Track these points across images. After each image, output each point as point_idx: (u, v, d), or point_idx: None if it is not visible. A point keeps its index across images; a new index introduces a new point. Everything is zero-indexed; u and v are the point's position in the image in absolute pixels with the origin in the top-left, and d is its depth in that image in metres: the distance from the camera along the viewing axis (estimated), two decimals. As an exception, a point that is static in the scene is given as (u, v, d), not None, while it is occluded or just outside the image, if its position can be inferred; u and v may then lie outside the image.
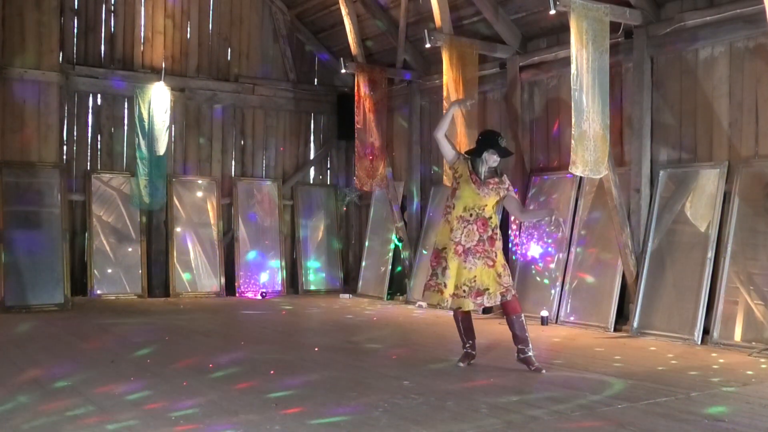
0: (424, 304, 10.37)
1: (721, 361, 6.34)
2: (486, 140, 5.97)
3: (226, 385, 5.22)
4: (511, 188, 6.05)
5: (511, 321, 5.90)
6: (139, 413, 4.40)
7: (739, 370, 5.93)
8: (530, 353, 5.86)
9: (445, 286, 5.80)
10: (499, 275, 5.85)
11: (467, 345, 6.10)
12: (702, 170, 7.68)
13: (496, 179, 5.95)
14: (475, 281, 5.81)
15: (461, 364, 6.02)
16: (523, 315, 5.94)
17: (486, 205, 5.90)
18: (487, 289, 5.81)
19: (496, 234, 5.91)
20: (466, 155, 6.07)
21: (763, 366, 6.09)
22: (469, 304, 5.84)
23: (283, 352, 6.75)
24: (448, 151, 6.05)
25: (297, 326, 8.60)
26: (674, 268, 7.63)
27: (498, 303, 5.92)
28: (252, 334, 7.97)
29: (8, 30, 10.02)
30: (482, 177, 5.89)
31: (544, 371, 5.74)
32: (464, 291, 5.79)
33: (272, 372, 5.71)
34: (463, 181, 5.94)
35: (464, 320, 6.09)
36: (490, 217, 5.90)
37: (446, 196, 6.27)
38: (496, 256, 5.87)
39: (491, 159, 5.88)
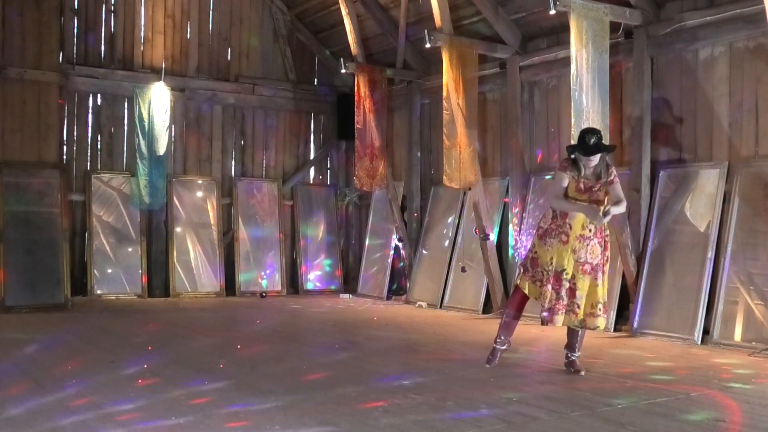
0: (424, 303, 10.37)
1: (721, 361, 6.34)
2: (577, 141, 5.64)
3: (225, 384, 5.22)
4: (615, 179, 5.57)
5: (583, 331, 5.76)
6: (137, 413, 4.41)
7: (739, 370, 5.93)
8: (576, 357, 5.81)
9: (579, 307, 5.55)
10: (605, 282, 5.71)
11: (508, 343, 5.96)
12: (702, 170, 7.68)
13: (602, 180, 5.56)
14: (604, 296, 5.63)
15: (495, 363, 5.87)
16: None
17: None
18: (604, 301, 5.65)
19: (608, 235, 5.68)
20: (569, 160, 5.62)
21: (761, 365, 6.09)
22: (602, 322, 5.67)
23: (283, 352, 6.75)
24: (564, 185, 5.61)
25: (297, 326, 8.60)
26: (674, 268, 7.63)
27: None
28: (252, 334, 7.97)
29: (8, 30, 10.04)
30: (586, 178, 5.52)
31: (583, 372, 5.67)
32: (600, 309, 5.58)
33: (272, 372, 5.71)
34: (571, 196, 5.58)
35: (516, 318, 5.94)
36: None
37: (548, 213, 5.70)
38: (608, 260, 5.71)
39: (586, 161, 5.51)
